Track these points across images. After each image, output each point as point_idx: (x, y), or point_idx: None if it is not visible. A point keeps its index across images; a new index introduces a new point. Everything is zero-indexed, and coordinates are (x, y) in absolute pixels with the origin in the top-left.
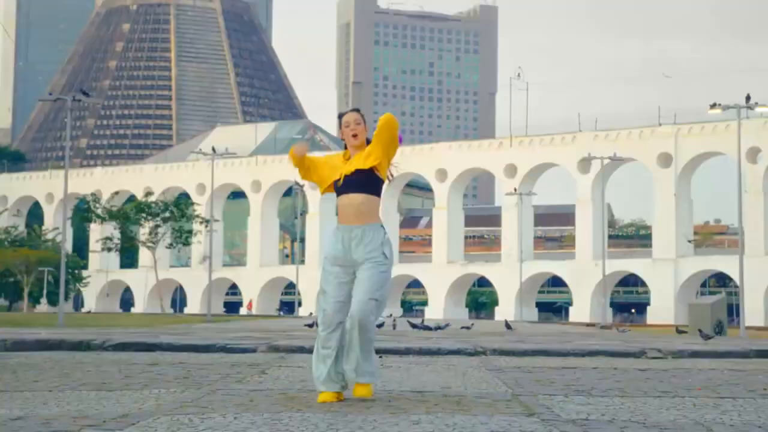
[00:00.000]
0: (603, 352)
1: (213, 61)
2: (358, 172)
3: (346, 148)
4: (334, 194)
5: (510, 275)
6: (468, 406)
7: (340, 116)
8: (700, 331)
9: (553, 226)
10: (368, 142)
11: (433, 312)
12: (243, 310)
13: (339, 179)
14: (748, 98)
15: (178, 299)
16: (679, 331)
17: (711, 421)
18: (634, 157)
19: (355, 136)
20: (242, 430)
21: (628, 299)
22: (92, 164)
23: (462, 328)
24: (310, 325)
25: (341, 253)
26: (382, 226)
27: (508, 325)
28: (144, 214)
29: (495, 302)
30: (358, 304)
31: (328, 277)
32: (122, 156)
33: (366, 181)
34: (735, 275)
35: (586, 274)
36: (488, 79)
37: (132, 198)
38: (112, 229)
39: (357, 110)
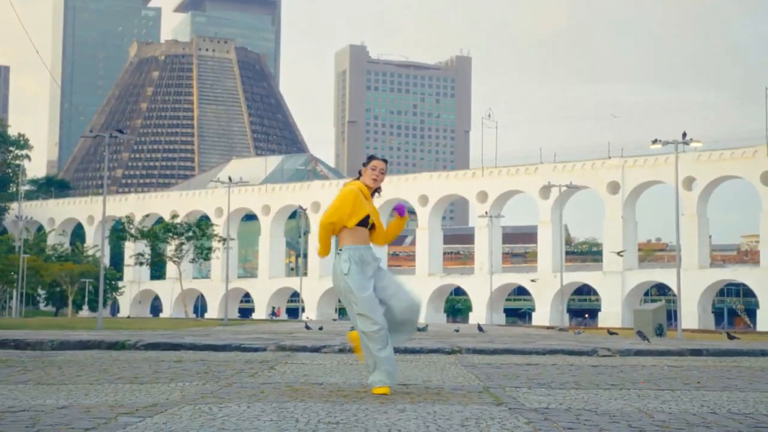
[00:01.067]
0: (561, 351)
1: (229, 104)
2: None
3: (358, 177)
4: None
5: (482, 285)
6: (446, 397)
7: (371, 158)
8: (639, 332)
9: (519, 244)
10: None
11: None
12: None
13: (369, 218)
14: (684, 135)
15: (200, 306)
16: (610, 333)
17: (653, 409)
18: (588, 185)
19: (375, 180)
20: (254, 417)
21: (582, 306)
22: (127, 191)
23: (455, 330)
24: (309, 327)
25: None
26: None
27: (480, 328)
28: (170, 234)
29: (469, 308)
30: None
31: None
32: (152, 184)
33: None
34: (673, 285)
35: (546, 285)
36: (463, 119)
37: (160, 220)
38: (143, 247)
39: (386, 161)
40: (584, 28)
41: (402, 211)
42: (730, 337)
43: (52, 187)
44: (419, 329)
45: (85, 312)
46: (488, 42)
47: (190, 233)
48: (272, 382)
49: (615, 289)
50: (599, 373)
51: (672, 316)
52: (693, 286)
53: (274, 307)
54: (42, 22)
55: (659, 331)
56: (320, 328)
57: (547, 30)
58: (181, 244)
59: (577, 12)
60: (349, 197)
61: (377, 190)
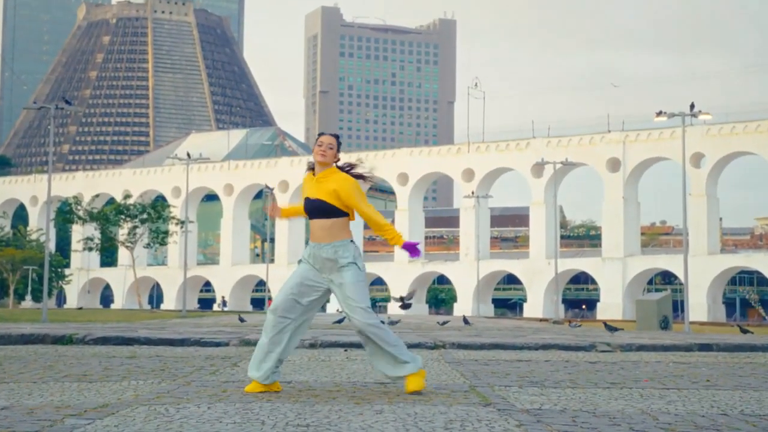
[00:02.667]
0: (555, 346)
1: (188, 72)
2: (318, 201)
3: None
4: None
5: (468, 273)
6: (428, 397)
7: (320, 135)
8: (606, 324)
9: (509, 227)
10: (347, 169)
11: (395, 308)
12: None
13: (307, 198)
14: (692, 106)
15: (155, 296)
16: (609, 328)
17: (657, 410)
18: (585, 162)
19: (322, 155)
20: (215, 419)
21: (579, 296)
22: (74, 169)
23: (443, 323)
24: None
25: (311, 272)
26: (352, 241)
27: (466, 321)
28: (123, 216)
29: (454, 299)
30: (353, 314)
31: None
32: (102, 161)
33: (328, 209)
34: (680, 273)
35: (539, 272)
36: (447, 89)
37: (111, 200)
38: (92, 230)
39: (336, 136)
40: None
41: (412, 251)
42: (743, 331)
43: None
44: (392, 323)
45: (28, 303)
46: (474, 3)
47: (145, 215)
48: (235, 380)
49: (615, 278)
50: (598, 371)
51: (678, 307)
52: (701, 274)
53: (223, 297)
54: None
55: (664, 324)
56: (241, 320)
57: None
58: (135, 227)
59: None
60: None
61: (362, 177)
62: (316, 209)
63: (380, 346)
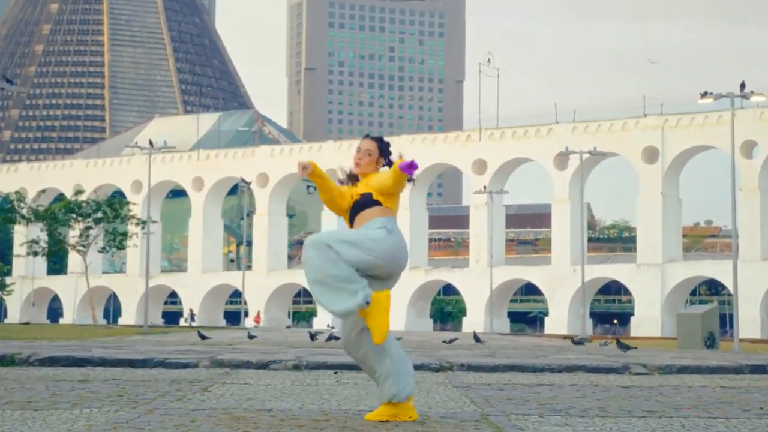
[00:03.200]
0: (582, 368)
1: (150, 46)
2: (363, 196)
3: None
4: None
5: (479, 282)
6: (433, 427)
7: (365, 137)
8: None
9: (527, 228)
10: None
11: (395, 324)
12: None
13: (348, 206)
14: (743, 86)
15: (112, 309)
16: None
17: None
18: (617, 151)
19: (356, 164)
20: None
21: (609, 309)
22: (17, 159)
23: (450, 341)
24: (252, 337)
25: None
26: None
27: (477, 338)
28: (74, 215)
29: (462, 312)
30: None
31: None
32: (50, 150)
33: (373, 203)
34: (728, 282)
35: (563, 281)
36: (455, 66)
37: (61, 197)
38: (38, 231)
39: (380, 139)
40: None
41: (407, 169)
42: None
43: None
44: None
45: None
46: None
47: (100, 214)
48: (206, 407)
49: (652, 288)
50: (632, 397)
51: (727, 321)
52: (754, 283)
53: (192, 310)
54: None
55: (710, 342)
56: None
57: None
58: (88, 228)
59: None
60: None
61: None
62: (361, 205)
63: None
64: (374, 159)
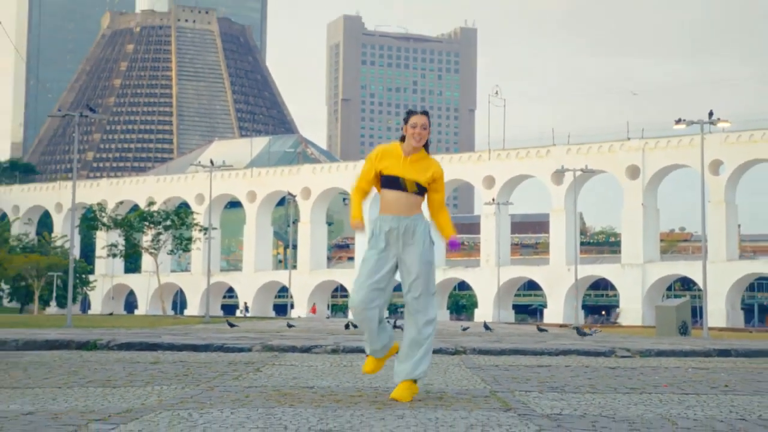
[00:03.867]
0: (575, 351)
1: (211, 80)
2: (417, 184)
3: (402, 140)
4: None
5: (488, 279)
6: (449, 402)
7: (409, 113)
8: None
9: (529, 234)
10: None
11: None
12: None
13: (400, 178)
14: (710, 114)
15: (179, 302)
16: (540, 330)
17: (676, 415)
18: (605, 169)
19: (418, 139)
20: (238, 424)
21: (598, 302)
22: (98, 176)
23: (465, 329)
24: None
25: (382, 251)
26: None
27: (486, 327)
28: (147, 223)
29: (474, 305)
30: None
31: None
32: (126, 168)
33: (421, 191)
34: (699, 279)
35: (559, 279)
36: (468, 97)
37: (135, 207)
38: (116, 237)
39: (426, 114)
40: None
41: (454, 245)
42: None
43: (17, 171)
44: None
45: (52, 308)
46: (495, 12)
47: (168, 222)
48: (258, 385)
49: (634, 284)
50: (617, 376)
51: (697, 313)
52: (720, 281)
53: (246, 303)
54: None
55: (683, 330)
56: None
57: None
58: (158, 234)
59: None
60: (370, 156)
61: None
62: (406, 188)
63: (419, 341)
64: (427, 131)
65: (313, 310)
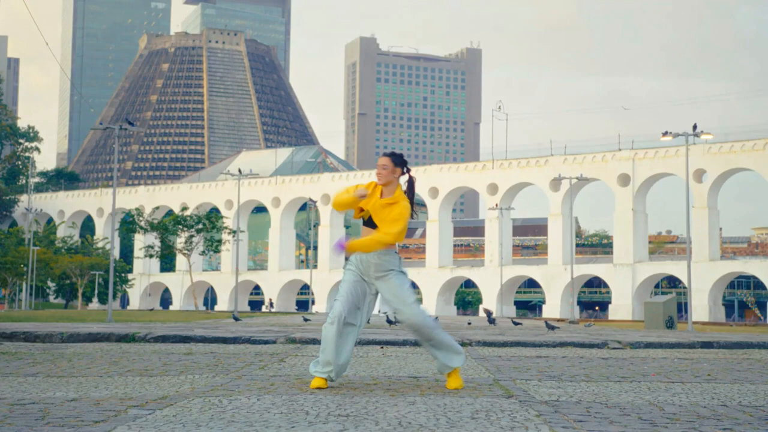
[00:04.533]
0: (571, 344)
1: (239, 96)
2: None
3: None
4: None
5: (492, 278)
6: (456, 390)
7: (382, 155)
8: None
9: (529, 236)
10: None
11: (429, 309)
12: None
13: (365, 213)
14: (695, 127)
15: (210, 298)
16: (490, 320)
17: (663, 402)
18: (598, 177)
19: (378, 176)
20: (264, 409)
21: (592, 298)
22: (136, 183)
23: (470, 323)
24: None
25: (358, 278)
26: (396, 252)
27: (490, 320)
28: (180, 226)
29: (479, 301)
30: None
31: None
32: (162, 176)
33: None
34: (684, 278)
35: (556, 277)
36: (473, 111)
37: (170, 212)
38: (153, 239)
39: (391, 155)
40: (594, 18)
41: (340, 246)
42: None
43: (62, 179)
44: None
45: (94, 304)
46: (498, 34)
47: (200, 225)
48: (282, 374)
49: (625, 282)
50: (609, 366)
51: (682, 308)
52: (703, 279)
53: (270, 299)
54: (52, 13)
55: (670, 324)
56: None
57: (557, 21)
58: (191, 236)
59: (586, 3)
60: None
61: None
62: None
63: (435, 337)
64: (389, 171)
65: None
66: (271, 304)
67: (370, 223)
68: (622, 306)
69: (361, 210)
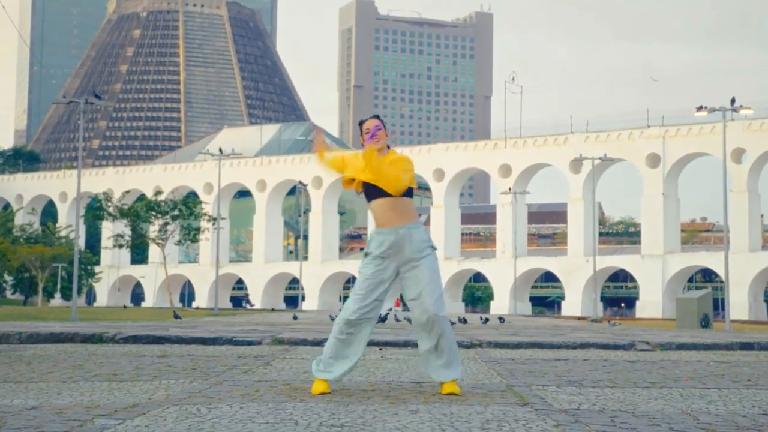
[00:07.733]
0: (594, 345)
1: (220, 66)
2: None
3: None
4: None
5: (505, 271)
6: (464, 397)
7: (360, 123)
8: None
9: (546, 224)
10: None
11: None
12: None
13: (356, 182)
14: (733, 101)
15: (187, 294)
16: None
17: (697, 410)
18: (624, 157)
19: (377, 142)
20: (248, 419)
21: (617, 294)
22: (104, 164)
23: (485, 321)
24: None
25: (380, 265)
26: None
27: (501, 320)
28: (154, 213)
29: (490, 297)
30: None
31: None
32: (133, 156)
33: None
34: (720, 271)
35: (577, 270)
36: (483, 83)
37: (142, 197)
38: (123, 227)
39: (376, 117)
40: None
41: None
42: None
43: (20, 159)
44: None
45: (57, 301)
46: None
47: (176, 212)
48: (268, 379)
49: (654, 275)
50: (637, 370)
51: (719, 305)
52: (743, 272)
53: (247, 294)
54: None
55: (705, 322)
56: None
57: None
58: (166, 224)
59: None
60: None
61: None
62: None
63: (439, 344)
64: (384, 132)
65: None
66: (248, 301)
67: (372, 190)
68: (650, 302)
69: (352, 180)
